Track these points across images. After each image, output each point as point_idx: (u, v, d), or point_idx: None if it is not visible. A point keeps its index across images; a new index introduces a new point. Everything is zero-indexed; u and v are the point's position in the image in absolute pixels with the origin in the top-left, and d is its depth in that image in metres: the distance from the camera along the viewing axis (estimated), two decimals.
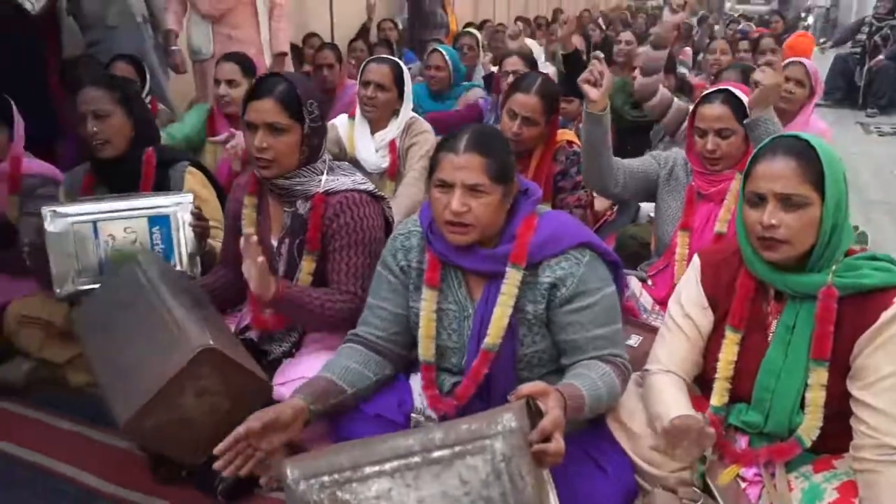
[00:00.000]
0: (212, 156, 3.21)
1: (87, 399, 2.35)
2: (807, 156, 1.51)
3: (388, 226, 2.14)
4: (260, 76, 2.17)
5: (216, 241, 2.43)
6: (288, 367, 2.03)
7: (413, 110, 4.22)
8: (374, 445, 1.26)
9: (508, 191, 1.67)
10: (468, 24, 8.01)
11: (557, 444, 1.28)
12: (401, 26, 7.27)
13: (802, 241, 1.51)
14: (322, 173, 2.08)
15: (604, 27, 8.01)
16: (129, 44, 3.89)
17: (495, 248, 1.68)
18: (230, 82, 3.08)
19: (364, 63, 3.14)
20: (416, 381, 1.83)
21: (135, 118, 2.44)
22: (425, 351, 1.76)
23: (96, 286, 2.16)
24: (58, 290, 2.22)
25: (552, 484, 1.32)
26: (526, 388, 1.38)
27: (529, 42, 5.65)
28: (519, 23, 4.44)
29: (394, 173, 3.08)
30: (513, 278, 1.65)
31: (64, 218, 2.19)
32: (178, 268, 2.27)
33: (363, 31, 6.52)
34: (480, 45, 5.79)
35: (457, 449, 1.21)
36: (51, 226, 2.18)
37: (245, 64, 3.14)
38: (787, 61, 3.46)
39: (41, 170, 2.70)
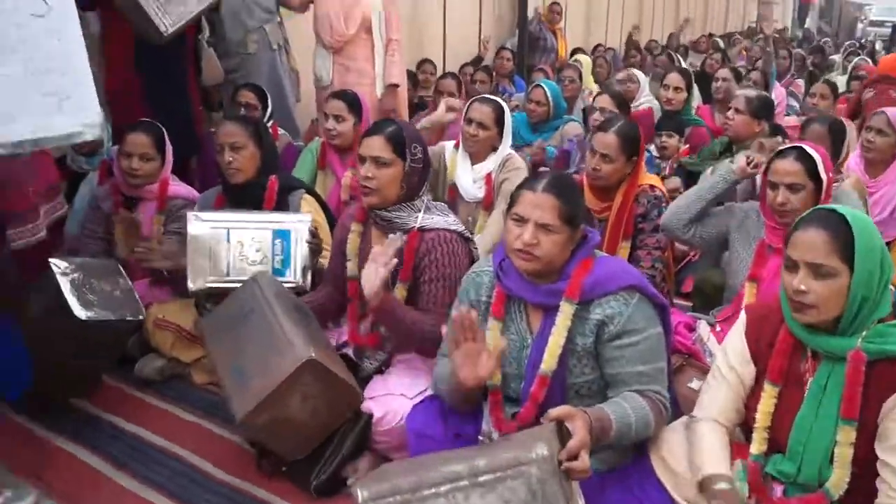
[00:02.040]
0: (322, 186, 3.52)
1: (208, 395, 2.72)
2: (839, 229, 1.64)
3: (472, 264, 2.38)
4: (376, 121, 2.48)
5: (324, 261, 2.75)
6: (377, 383, 2.31)
7: (513, 137, 4.49)
8: (430, 470, 1.51)
9: (574, 234, 1.89)
10: (576, 50, 8.17)
11: (583, 461, 1.51)
12: (511, 49, 7.51)
13: (830, 308, 1.64)
14: (419, 211, 2.36)
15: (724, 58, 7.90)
16: (265, 69, 4.26)
17: (553, 283, 1.89)
18: (337, 117, 3.38)
19: (470, 102, 3.40)
20: (485, 405, 2.03)
21: (263, 150, 2.80)
22: (493, 377, 1.93)
23: (223, 284, 2.53)
24: (191, 284, 2.58)
25: (581, 493, 1.54)
26: (555, 411, 1.61)
27: (635, 71, 5.79)
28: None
29: (488, 204, 3.32)
30: (566, 312, 1.86)
31: (204, 222, 2.56)
32: (292, 277, 2.58)
33: (477, 61, 6.80)
34: (584, 76, 5.95)
35: (499, 474, 1.46)
36: (192, 228, 2.55)
37: (351, 101, 3.43)
38: (873, 113, 3.51)
39: (183, 192, 3.10)
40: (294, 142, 4.18)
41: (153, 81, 3.69)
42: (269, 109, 3.80)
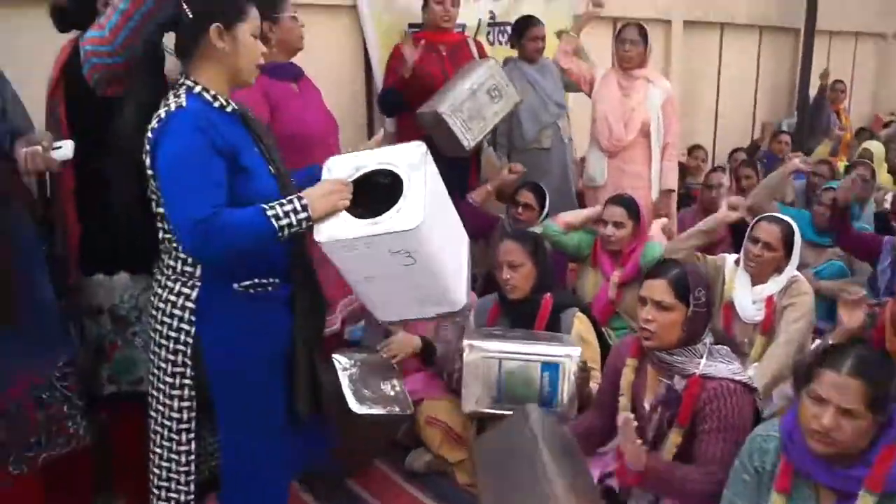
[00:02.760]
0: (591, 284, 3.58)
1: (469, 497, 2.82)
2: None
3: (757, 416, 2.26)
4: (660, 260, 2.47)
5: (594, 383, 2.75)
6: None
7: None
8: None
9: (880, 419, 1.75)
10: (861, 130, 7.52)
11: None
12: (788, 131, 7.07)
13: None
14: (701, 356, 2.29)
15: None
16: (557, 163, 4.35)
17: (851, 468, 1.75)
18: (617, 224, 3.44)
19: (756, 219, 3.25)
20: None
21: (539, 268, 2.89)
22: None
23: (493, 410, 2.66)
24: (464, 407, 2.74)
25: None
26: None
27: None
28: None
29: (767, 328, 3.11)
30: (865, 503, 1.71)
31: (478, 352, 2.70)
32: (559, 409, 2.63)
33: (752, 148, 6.48)
34: (878, 170, 5.43)
35: None
36: (468, 356, 2.70)
37: (630, 207, 3.48)
38: None
39: None
40: None
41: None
42: (546, 210, 3.91)
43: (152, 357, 2.01)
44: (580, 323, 2.90)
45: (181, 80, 1.92)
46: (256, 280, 1.97)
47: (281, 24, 2.85)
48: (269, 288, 2.00)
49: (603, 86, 4.16)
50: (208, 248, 1.82)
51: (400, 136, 4.11)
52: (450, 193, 3.90)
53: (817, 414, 1.74)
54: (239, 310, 1.96)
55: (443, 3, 3.83)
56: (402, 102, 3.81)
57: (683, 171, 5.58)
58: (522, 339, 2.75)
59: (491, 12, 4.72)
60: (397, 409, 2.77)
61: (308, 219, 1.87)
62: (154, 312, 1.99)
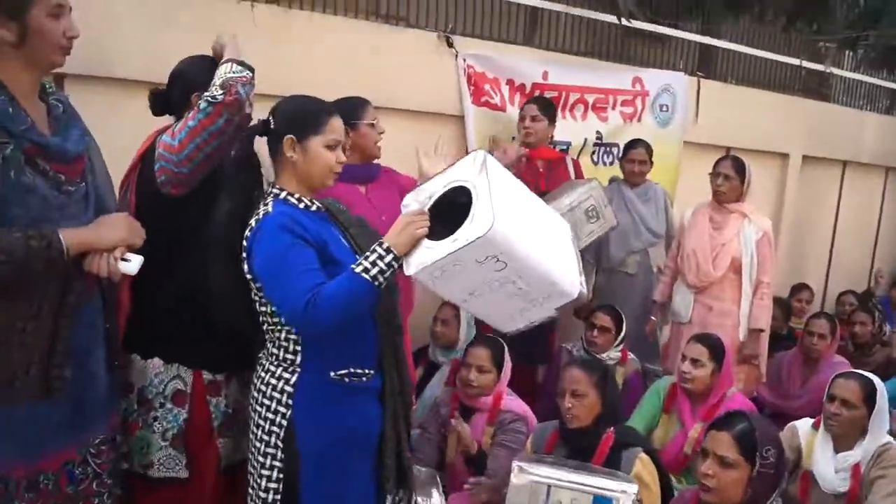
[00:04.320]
0: (663, 431, 3.34)
1: None
2: None
3: None
4: (727, 412, 2.32)
5: None
6: None
7: None
8: None
9: None
10: None
11: None
12: None
13: None
14: None
15: None
16: (640, 290, 4.27)
17: None
18: (695, 362, 3.25)
19: (834, 376, 3.01)
20: None
21: (604, 400, 2.76)
22: None
23: None
24: None
25: None
26: None
27: None
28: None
29: (853, 501, 2.84)
30: None
31: (527, 475, 2.57)
32: None
33: (865, 296, 6.08)
34: None
35: None
36: (515, 479, 2.58)
37: (714, 346, 3.29)
38: None
39: (516, 407, 3.16)
40: (650, 365, 4.14)
41: None
42: (623, 333, 3.79)
43: (251, 436, 2.12)
44: (643, 465, 2.71)
45: (269, 189, 2.07)
46: (352, 369, 2.05)
47: (358, 129, 2.96)
48: (364, 378, 2.07)
49: (694, 220, 4.02)
50: (320, 326, 1.91)
51: None
52: None
53: None
54: (333, 397, 2.04)
55: (523, 119, 3.94)
56: None
57: (788, 311, 5.30)
58: (576, 468, 2.61)
59: (598, 132, 4.76)
60: None
61: (395, 258, 1.92)
62: (255, 394, 2.10)
